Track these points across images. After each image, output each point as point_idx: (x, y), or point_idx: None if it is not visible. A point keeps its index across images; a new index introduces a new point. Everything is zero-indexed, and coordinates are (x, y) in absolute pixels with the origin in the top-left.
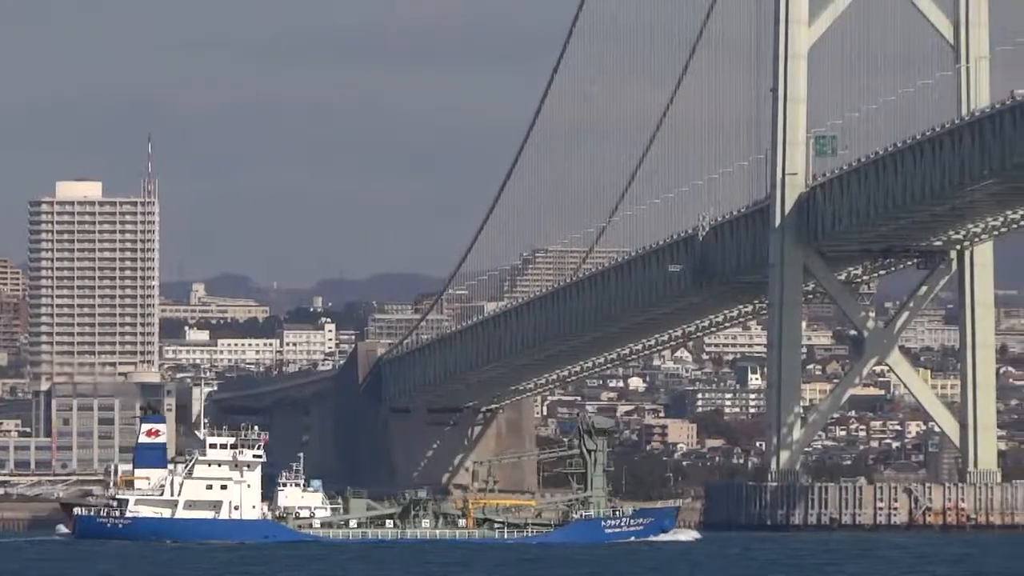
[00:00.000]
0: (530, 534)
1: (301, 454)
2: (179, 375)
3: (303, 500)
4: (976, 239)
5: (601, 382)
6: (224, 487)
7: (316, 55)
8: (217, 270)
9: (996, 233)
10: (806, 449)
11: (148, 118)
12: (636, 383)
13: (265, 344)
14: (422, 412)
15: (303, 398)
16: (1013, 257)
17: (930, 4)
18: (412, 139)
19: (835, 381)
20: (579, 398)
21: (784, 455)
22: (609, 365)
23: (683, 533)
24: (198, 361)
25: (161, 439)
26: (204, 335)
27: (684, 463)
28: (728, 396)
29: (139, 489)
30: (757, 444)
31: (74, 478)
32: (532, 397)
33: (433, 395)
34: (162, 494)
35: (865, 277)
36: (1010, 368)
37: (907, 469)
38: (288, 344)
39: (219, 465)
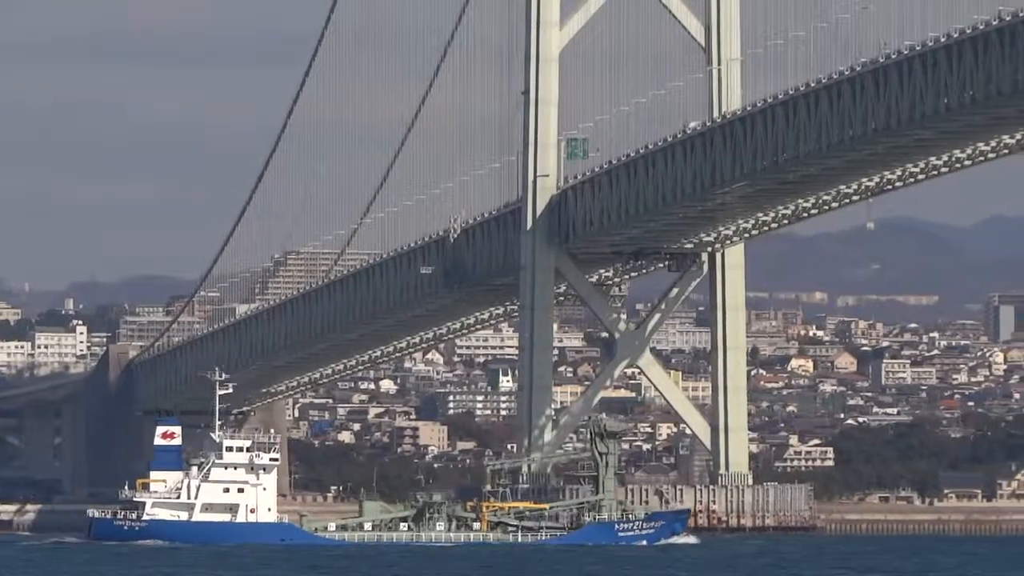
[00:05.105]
0: (544, 537)
1: None
2: None
3: None
4: (727, 241)
5: (353, 384)
6: (241, 490)
7: (62, 55)
8: None
9: (747, 235)
10: (557, 451)
11: None
12: (387, 385)
13: (16, 347)
14: (174, 414)
15: (55, 400)
16: (764, 259)
17: (681, 6)
18: (161, 141)
19: (586, 383)
20: (330, 400)
21: (536, 456)
22: (360, 367)
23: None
24: None
25: (176, 441)
26: None
27: (435, 465)
28: (479, 398)
29: (155, 492)
30: (508, 446)
31: None
32: (283, 399)
33: (185, 397)
34: (179, 497)
35: (616, 279)
36: (761, 370)
37: (658, 471)
38: (40, 347)
39: (235, 468)
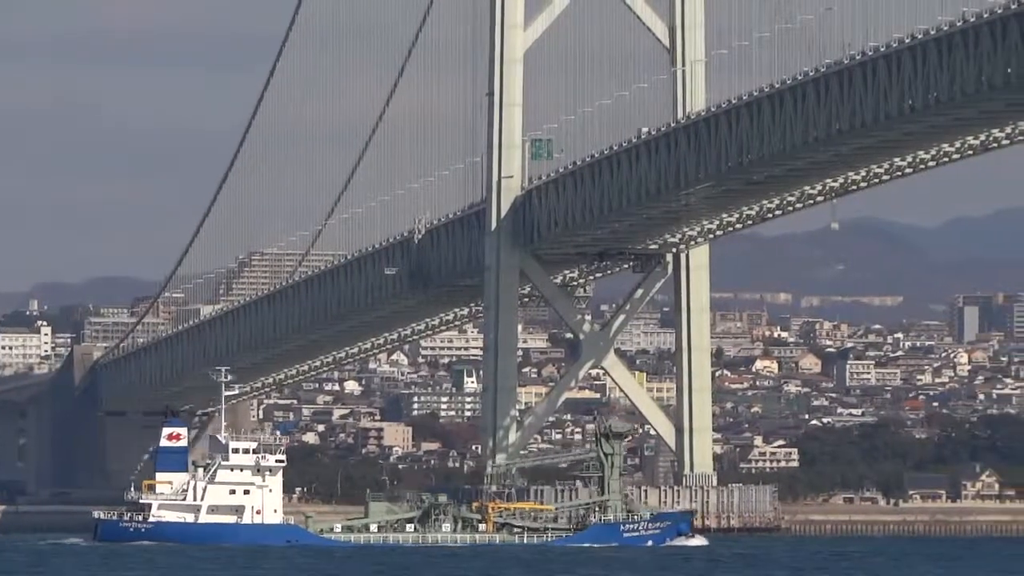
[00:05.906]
0: (550, 538)
1: None
2: None
3: None
4: (692, 242)
5: (317, 385)
6: (247, 492)
7: (33, 60)
8: None
9: (712, 236)
10: (522, 452)
11: None
12: (352, 386)
13: None
14: (138, 415)
15: (19, 401)
16: (728, 260)
17: (646, 7)
18: (128, 143)
19: (551, 384)
20: (295, 401)
21: (500, 458)
22: (325, 368)
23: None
24: None
25: (182, 443)
26: None
27: (400, 466)
28: (444, 399)
29: (161, 493)
30: (473, 447)
31: None
32: (248, 401)
33: (149, 398)
34: (185, 498)
35: (581, 280)
36: (725, 371)
37: (623, 472)
38: (4, 347)
39: (241, 470)
